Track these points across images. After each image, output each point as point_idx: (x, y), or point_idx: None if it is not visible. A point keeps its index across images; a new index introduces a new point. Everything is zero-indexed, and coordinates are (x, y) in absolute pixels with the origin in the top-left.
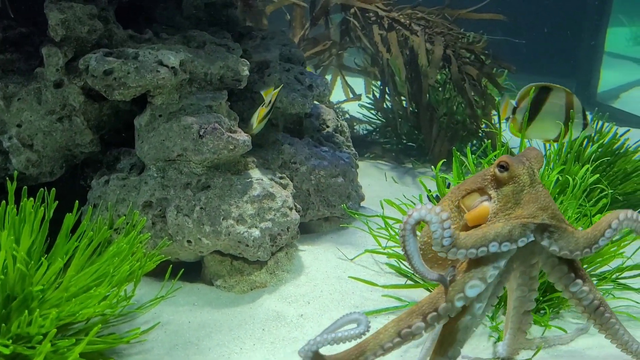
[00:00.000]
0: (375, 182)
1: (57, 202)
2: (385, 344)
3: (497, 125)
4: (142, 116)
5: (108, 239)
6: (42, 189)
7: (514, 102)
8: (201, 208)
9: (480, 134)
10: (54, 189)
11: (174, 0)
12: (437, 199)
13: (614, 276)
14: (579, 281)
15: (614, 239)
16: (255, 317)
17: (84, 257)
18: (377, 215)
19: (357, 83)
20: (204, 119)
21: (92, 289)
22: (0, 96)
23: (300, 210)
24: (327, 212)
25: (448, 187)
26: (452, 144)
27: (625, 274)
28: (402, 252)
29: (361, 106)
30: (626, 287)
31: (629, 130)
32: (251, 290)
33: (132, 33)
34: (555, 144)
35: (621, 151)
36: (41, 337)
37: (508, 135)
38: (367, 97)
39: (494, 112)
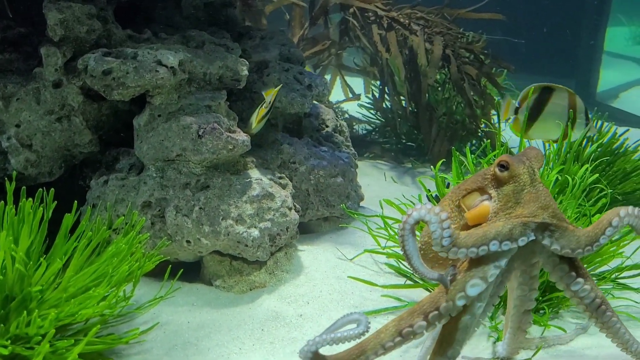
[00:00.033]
0: (375, 182)
1: (55, 202)
2: (386, 343)
3: (497, 125)
4: (141, 116)
5: (107, 239)
6: (40, 189)
7: (515, 103)
8: (200, 208)
9: (479, 134)
10: (52, 189)
11: (173, 0)
12: (437, 198)
13: (613, 276)
14: (581, 280)
15: (613, 239)
16: (255, 317)
17: (83, 258)
18: (377, 215)
19: (357, 83)
20: (203, 119)
21: (91, 290)
22: None
23: (300, 210)
24: (326, 212)
25: (447, 187)
26: (452, 143)
27: (625, 273)
28: (401, 252)
29: (360, 106)
30: (625, 287)
31: (628, 130)
32: (250, 290)
33: (131, 33)
34: (555, 144)
35: (620, 151)
36: (40, 337)
37: (507, 135)
38: (367, 96)
39: (493, 111)
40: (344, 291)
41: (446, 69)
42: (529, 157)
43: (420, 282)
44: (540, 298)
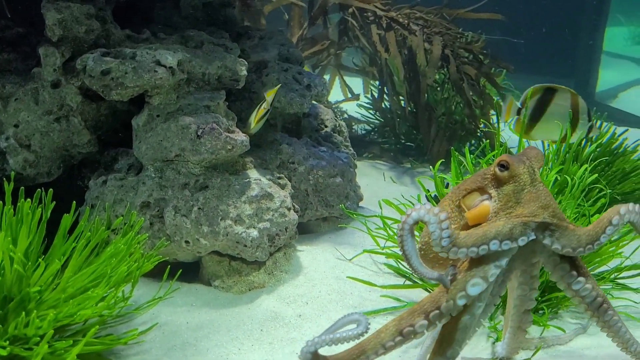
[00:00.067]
0: (374, 182)
1: (54, 202)
2: (386, 343)
3: (496, 125)
4: (140, 116)
5: (106, 240)
6: (39, 189)
7: (518, 104)
8: (199, 208)
9: (478, 134)
10: (51, 189)
11: (171, 0)
12: (436, 199)
13: (612, 276)
14: (582, 279)
15: (612, 239)
16: (254, 317)
17: (82, 258)
18: (376, 216)
19: (356, 83)
20: (202, 119)
21: (89, 290)
22: None
23: (299, 211)
24: (325, 212)
25: (446, 187)
26: (451, 143)
27: (624, 273)
28: (400, 253)
29: (359, 106)
30: (625, 287)
31: (627, 130)
32: (249, 290)
33: (130, 33)
34: (554, 144)
35: (619, 151)
36: (38, 338)
37: (506, 135)
38: (366, 96)
39: (492, 111)
40: (343, 291)
41: (445, 69)
42: (529, 157)
43: (420, 282)
44: (540, 298)
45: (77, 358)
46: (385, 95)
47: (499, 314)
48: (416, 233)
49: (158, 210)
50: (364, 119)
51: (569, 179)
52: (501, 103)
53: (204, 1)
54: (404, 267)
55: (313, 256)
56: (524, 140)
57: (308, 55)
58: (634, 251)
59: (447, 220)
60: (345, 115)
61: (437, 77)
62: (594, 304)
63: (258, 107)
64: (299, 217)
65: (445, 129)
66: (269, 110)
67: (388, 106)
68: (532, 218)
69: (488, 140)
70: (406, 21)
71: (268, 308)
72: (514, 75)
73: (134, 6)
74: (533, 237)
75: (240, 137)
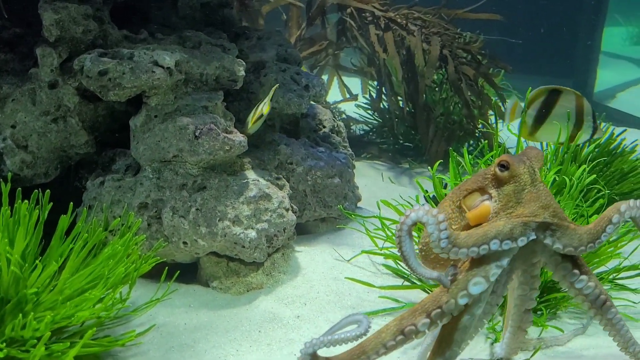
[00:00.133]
0: (372, 182)
1: (51, 203)
2: (387, 342)
3: (494, 126)
4: (138, 117)
5: (103, 241)
6: (36, 190)
7: (522, 105)
8: (197, 209)
9: (477, 134)
10: (48, 190)
11: (169, 1)
12: (434, 199)
13: (611, 276)
14: (584, 277)
15: (611, 239)
16: (252, 318)
17: (79, 260)
18: (374, 216)
19: (354, 83)
20: (200, 119)
21: (87, 292)
22: None
23: (297, 211)
24: (323, 212)
25: (445, 187)
26: (449, 144)
27: (623, 274)
28: (398, 253)
29: (358, 106)
30: (623, 288)
31: (625, 130)
32: (247, 291)
33: (127, 33)
34: (552, 145)
35: (618, 151)
36: (35, 340)
37: (505, 135)
38: (364, 97)
39: (490, 112)
40: (341, 292)
41: (443, 70)
42: (529, 157)
43: (418, 283)
44: (538, 299)
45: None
46: (383, 96)
47: (497, 315)
48: (415, 234)
49: (156, 211)
50: (362, 120)
51: (567, 180)
52: (499, 103)
53: (201, 1)
54: (403, 268)
55: (311, 257)
56: (522, 140)
57: (306, 56)
58: (632, 251)
59: (445, 222)
60: (344, 116)
61: (435, 77)
62: (597, 301)
63: (256, 107)
64: (297, 217)
65: (443, 129)
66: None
67: (386, 106)
68: (533, 218)
69: (486, 141)
70: (404, 21)
71: (266, 309)
72: (512, 76)
73: (131, 6)
74: (534, 237)
75: (238, 137)
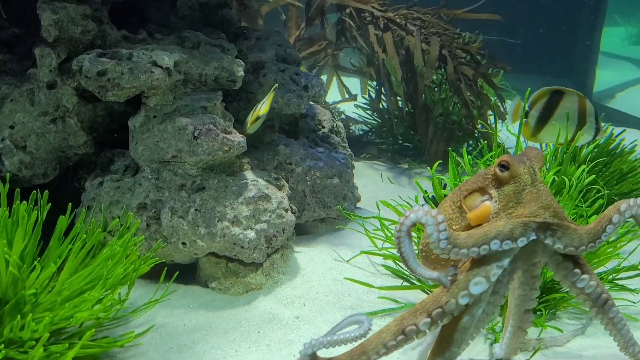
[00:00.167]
0: (371, 182)
1: (50, 204)
2: (388, 342)
3: (493, 126)
4: (137, 117)
5: (102, 242)
6: (35, 191)
7: (526, 106)
8: (196, 210)
9: (476, 135)
10: (47, 191)
11: (168, 1)
12: (433, 200)
13: (610, 277)
14: (586, 276)
15: (610, 240)
16: (251, 319)
17: (78, 260)
18: (373, 217)
19: (353, 83)
20: (199, 120)
21: (85, 293)
22: None
23: (296, 212)
24: (322, 213)
25: (444, 188)
26: (448, 144)
27: (622, 274)
28: (397, 254)
29: (357, 106)
30: (623, 288)
31: (624, 130)
32: (246, 292)
33: (126, 33)
34: (551, 145)
35: (617, 151)
36: (34, 342)
37: (504, 136)
38: (363, 97)
39: (489, 112)
40: (340, 293)
41: (443, 70)
42: (529, 157)
43: (418, 283)
44: (537, 299)
45: None
46: (382, 96)
47: (497, 315)
48: (414, 234)
49: (155, 212)
50: (361, 120)
51: (566, 180)
52: (499, 103)
53: (200, 2)
54: (402, 268)
55: (310, 257)
56: (522, 140)
57: (305, 56)
58: (631, 252)
59: (445, 222)
60: (343, 116)
61: (434, 77)
62: (599, 300)
63: (255, 108)
64: (297, 218)
65: (442, 129)
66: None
67: (385, 107)
68: (533, 218)
69: (486, 141)
70: (403, 22)
71: (265, 310)
72: (512, 76)
73: (130, 7)
74: (534, 237)
75: (237, 138)
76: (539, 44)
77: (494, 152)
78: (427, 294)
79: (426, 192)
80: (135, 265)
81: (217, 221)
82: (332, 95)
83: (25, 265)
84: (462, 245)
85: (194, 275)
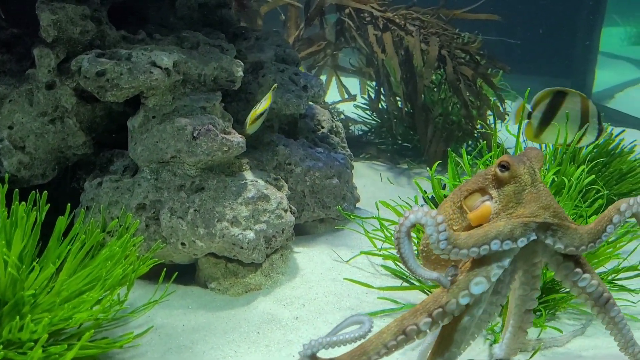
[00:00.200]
0: (371, 183)
1: (49, 204)
2: (388, 342)
3: (493, 126)
4: (136, 117)
5: (101, 242)
6: (33, 191)
7: (529, 107)
8: (195, 210)
9: (475, 135)
10: (45, 191)
11: (167, 1)
12: (433, 200)
13: (610, 277)
14: (587, 275)
15: (610, 240)
16: (250, 320)
17: (76, 261)
18: (373, 217)
19: (352, 83)
20: (198, 120)
21: (84, 294)
22: None
23: (295, 212)
24: (322, 213)
25: (443, 188)
26: (448, 144)
27: (621, 275)
28: (397, 255)
29: (356, 107)
30: (622, 288)
31: (624, 130)
32: (246, 292)
33: (125, 34)
34: (551, 145)
35: (616, 152)
36: (32, 343)
37: (503, 136)
38: (362, 97)
39: (489, 112)
40: (339, 293)
41: (442, 70)
42: (529, 157)
43: (417, 284)
44: (537, 300)
45: None
46: (382, 96)
47: (496, 316)
48: (414, 235)
49: (154, 212)
50: (360, 120)
51: (566, 180)
52: (498, 104)
53: (199, 2)
54: (402, 268)
55: (310, 258)
56: (521, 140)
57: (305, 56)
58: (631, 252)
59: (444, 223)
60: (342, 116)
61: (433, 77)
62: (600, 300)
63: (255, 108)
64: (296, 218)
65: (442, 129)
66: (265, 111)
67: (385, 107)
68: (533, 218)
69: (485, 141)
70: (403, 22)
71: (265, 310)
72: (511, 76)
73: (129, 7)
74: (534, 237)
75: (237, 138)
76: (538, 44)
77: (493, 152)
78: (427, 294)
79: (425, 192)
80: (134, 265)
81: (216, 221)
82: (332, 95)
83: (24, 266)
84: (463, 245)
85: (193, 276)
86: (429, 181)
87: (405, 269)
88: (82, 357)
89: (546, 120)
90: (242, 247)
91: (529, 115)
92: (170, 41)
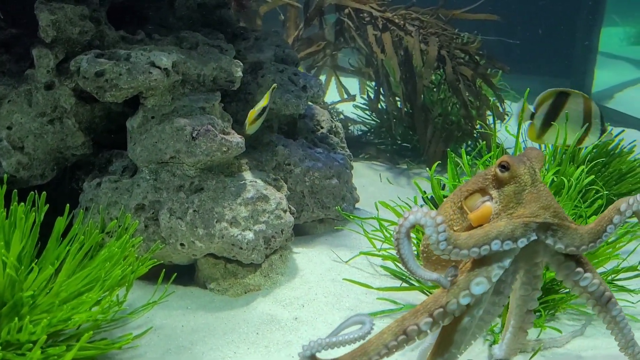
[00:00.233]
0: (370, 183)
1: (47, 205)
2: (389, 343)
3: (492, 126)
4: (135, 118)
5: (100, 243)
6: (32, 192)
7: (532, 108)
8: (194, 211)
9: (475, 135)
10: (44, 192)
11: (166, 1)
12: (432, 200)
13: (609, 278)
14: (589, 275)
15: (609, 241)
16: (249, 320)
17: (75, 262)
18: (372, 218)
19: (352, 84)
20: (197, 120)
21: (83, 295)
22: None
23: (295, 212)
24: (321, 214)
25: (443, 188)
26: (447, 144)
27: (621, 275)
28: (397, 255)
29: (355, 107)
30: (622, 289)
31: (623, 130)
32: (245, 293)
33: (124, 34)
34: (550, 146)
35: (616, 152)
36: (31, 344)
37: (503, 136)
38: (362, 97)
39: (488, 112)
40: (339, 294)
41: (441, 70)
42: (529, 158)
43: (417, 284)
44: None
45: None
46: (381, 96)
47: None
48: (413, 235)
49: (153, 213)
50: (360, 120)
51: (565, 181)
52: (497, 104)
53: (199, 2)
54: (401, 269)
55: (309, 258)
56: (520, 141)
57: (304, 56)
58: (631, 253)
59: (444, 224)
60: (342, 116)
61: (433, 78)
62: (602, 298)
63: (254, 108)
64: (295, 219)
65: (441, 130)
66: (265, 111)
67: (384, 107)
68: (534, 219)
69: (484, 142)
70: (402, 22)
71: (264, 311)
72: (510, 76)
73: (128, 7)
74: (534, 237)
75: (236, 138)
76: (537, 44)
77: (492, 152)
78: (426, 295)
79: (425, 192)
80: (133, 266)
81: (216, 222)
82: (331, 95)
83: (22, 267)
84: (463, 245)
85: (192, 277)
86: (428, 181)
87: (405, 270)
88: (81, 358)
89: (549, 121)
90: (241, 248)
91: (532, 116)
92: (169, 41)
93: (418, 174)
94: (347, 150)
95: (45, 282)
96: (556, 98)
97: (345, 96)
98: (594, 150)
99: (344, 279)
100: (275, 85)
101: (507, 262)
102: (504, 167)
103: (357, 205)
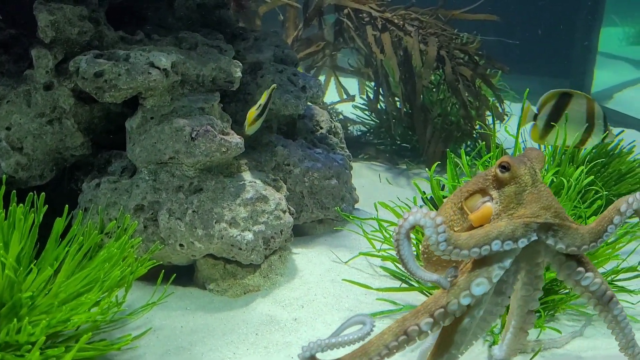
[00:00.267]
0: (370, 183)
1: (46, 206)
2: (390, 343)
3: (492, 126)
4: (134, 118)
5: (99, 244)
6: (31, 192)
7: (534, 109)
8: (193, 211)
9: (474, 135)
10: (43, 192)
11: (165, 2)
12: (432, 201)
13: (609, 278)
14: (590, 274)
15: (609, 241)
16: (249, 321)
17: (74, 263)
18: (372, 218)
19: (351, 84)
20: (196, 121)
21: (82, 295)
22: None
23: (294, 213)
24: (321, 214)
25: (442, 189)
26: (447, 145)
27: (621, 276)
28: (396, 256)
29: (355, 107)
30: (622, 289)
31: (623, 130)
32: (244, 294)
33: (123, 34)
34: (550, 146)
35: (615, 152)
36: (30, 345)
37: (502, 137)
38: (361, 98)
39: (488, 113)
40: (338, 295)
41: (441, 70)
42: (530, 158)
43: (416, 285)
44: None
45: None
46: (380, 97)
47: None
48: (413, 236)
49: (152, 214)
50: (359, 120)
51: (565, 181)
52: (497, 104)
53: (198, 2)
54: (401, 270)
55: (309, 259)
56: (520, 141)
57: (303, 57)
58: (630, 253)
59: (444, 224)
60: (341, 117)
61: (432, 78)
62: (604, 297)
63: (252, 108)
64: (295, 219)
65: (440, 130)
66: (265, 111)
67: (384, 107)
68: (534, 219)
69: (484, 142)
70: (401, 22)
71: (263, 312)
72: (510, 76)
73: (127, 7)
74: (535, 238)
75: (235, 139)
76: (537, 44)
77: (492, 153)
78: (426, 296)
79: (424, 193)
80: (132, 267)
81: (215, 223)
82: (330, 96)
83: (21, 268)
84: (463, 246)
85: (191, 277)
86: (427, 182)
87: (405, 271)
88: (80, 359)
89: (551, 122)
90: (240, 248)
91: (535, 117)
92: (169, 42)
93: (417, 174)
94: (347, 150)
95: (44, 283)
96: (559, 99)
97: (345, 96)
98: (594, 151)
99: (343, 279)
100: (274, 85)
101: (507, 263)
102: (504, 167)
103: (356, 206)
